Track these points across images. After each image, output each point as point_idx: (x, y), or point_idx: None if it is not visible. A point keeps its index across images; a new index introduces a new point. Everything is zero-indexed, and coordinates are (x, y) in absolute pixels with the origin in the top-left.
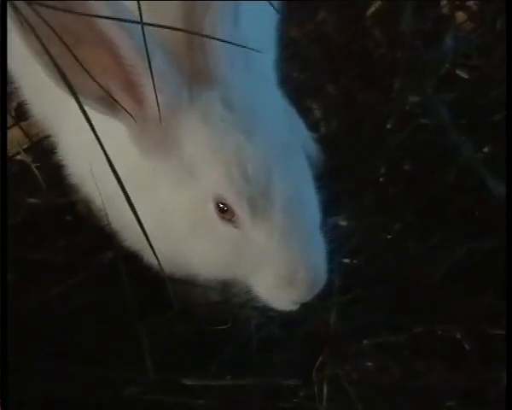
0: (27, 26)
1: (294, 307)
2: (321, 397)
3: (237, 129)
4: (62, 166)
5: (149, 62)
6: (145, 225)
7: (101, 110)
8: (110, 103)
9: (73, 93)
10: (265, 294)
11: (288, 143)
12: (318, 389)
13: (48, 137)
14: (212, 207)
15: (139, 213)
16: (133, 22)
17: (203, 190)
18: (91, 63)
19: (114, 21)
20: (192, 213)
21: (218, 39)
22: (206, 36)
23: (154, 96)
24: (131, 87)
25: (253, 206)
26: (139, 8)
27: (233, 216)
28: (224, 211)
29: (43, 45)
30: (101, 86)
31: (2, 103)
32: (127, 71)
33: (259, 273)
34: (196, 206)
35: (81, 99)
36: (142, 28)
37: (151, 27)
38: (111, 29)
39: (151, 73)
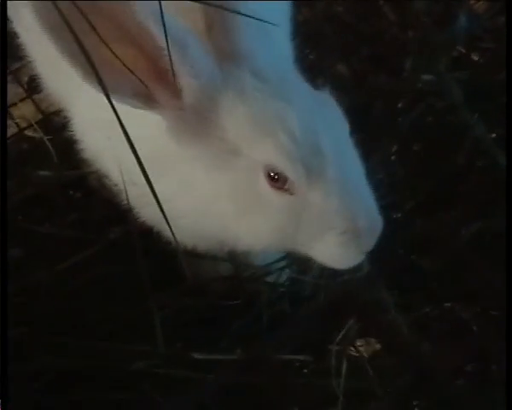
0: (62, 27)
1: (360, 260)
2: (338, 372)
3: (274, 97)
4: (75, 140)
5: (167, 49)
6: (179, 207)
7: (138, 106)
8: (145, 98)
9: (106, 93)
10: (330, 256)
11: (321, 99)
12: (335, 365)
13: (61, 111)
14: (263, 179)
15: (169, 195)
16: None
17: (250, 166)
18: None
19: (145, 14)
20: (241, 192)
21: (240, 13)
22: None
23: (190, 83)
24: (165, 78)
25: (308, 167)
26: None
27: (286, 183)
28: (276, 180)
29: (80, 44)
30: (141, 81)
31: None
32: (160, 63)
33: (321, 237)
34: (244, 184)
35: (115, 97)
36: (160, 4)
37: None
38: (142, 22)
39: (169, 60)
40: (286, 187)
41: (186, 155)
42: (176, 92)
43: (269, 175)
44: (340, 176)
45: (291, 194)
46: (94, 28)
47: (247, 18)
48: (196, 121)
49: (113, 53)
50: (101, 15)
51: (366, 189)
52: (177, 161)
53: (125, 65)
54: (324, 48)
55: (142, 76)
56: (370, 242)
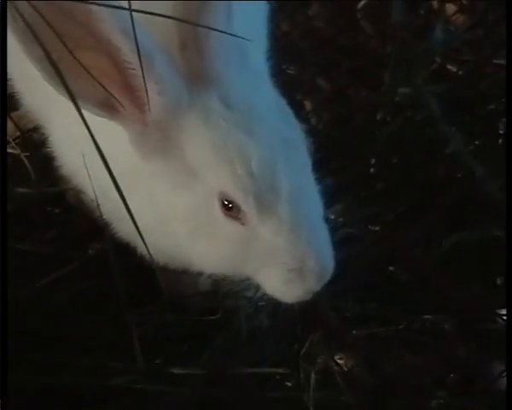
0: (28, 31)
1: (306, 299)
2: (308, 387)
3: (238, 127)
4: (53, 157)
5: (140, 59)
6: (144, 224)
7: (101, 115)
8: (110, 108)
9: (72, 98)
10: (275, 289)
11: (287, 136)
12: (305, 379)
13: (38, 128)
14: (217, 206)
15: (137, 211)
16: (121, 8)
17: (207, 190)
18: (90, 68)
19: (115, 25)
20: (195, 214)
21: (215, 29)
22: (205, 26)
23: (155, 99)
24: (131, 91)
25: (260, 201)
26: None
27: (239, 213)
28: (230, 209)
29: (45, 50)
30: (105, 89)
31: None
32: (127, 75)
33: (268, 269)
34: (200, 207)
35: (80, 104)
36: (131, 14)
37: (150, 30)
38: (112, 33)
39: (143, 76)
40: (239, 216)
41: (150, 171)
42: (140, 106)
43: (223, 202)
44: (293, 216)
45: (242, 224)
46: (57, 34)
47: (222, 40)
48: (158, 138)
49: (77, 60)
50: (75, 22)
51: (321, 231)
52: (143, 177)
53: (89, 72)
54: (304, 61)
55: (110, 86)
56: (317, 284)
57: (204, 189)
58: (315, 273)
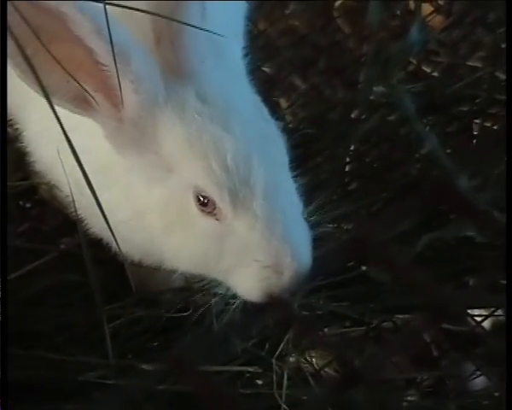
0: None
1: (283, 296)
2: (280, 385)
3: (213, 121)
4: (26, 152)
5: (115, 61)
6: (118, 219)
7: (75, 111)
8: (84, 104)
9: (45, 93)
10: (249, 289)
11: (264, 131)
12: (278, 377)
13: (12, 122)
14: (191, 200)
15: (114, 206)
16: (95, 1)
17: (182, 185)
18: (66, 61)
19: (88, 22)
20: (170, 209)
21: (189, 25)
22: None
23: (131, 97)
24: (107, 88)
25: (234, 196)
26: None
27: (214, 208)
28: (205, 204)
29: (19, 46)
30: (80, 85)
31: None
32: (102, 74)
33: (242, 268)
34: (174, 202)
35: (54, 99)
36: (105, 7)
37: (127, 27)
38: (86, 34)
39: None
40: (214, 212)
41: (126, 165)
42: (115, 103)
43: (197, 198)
44: (268, 211)
45: (217, 219)
46: (32, 28)
47: (196, 36)
48: (134, 134)
49: (51, 54)
50: (51, 15)
51: (298, 227)
52: (119, 172)
53: (63, 67)
54: (281, 59)
55: (85, 81)
56: (293, 282)
57: (179, 183)
58: (291, 271)
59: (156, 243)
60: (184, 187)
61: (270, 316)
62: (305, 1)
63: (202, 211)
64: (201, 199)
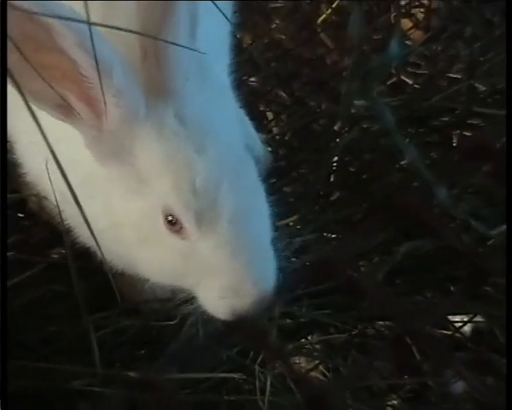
0: None
1: (245, 316)
2: (263, 392)
3: (188, 143)
4: (18, 164)
5: (99, 76)
6: (100, 228)
7: (58, 117)
8: (67, 111)
9: (25, 100)
10: (210, 304)
11: (240, 157)
12: (261, 384)
13: None
14: (161, 218)
15: (94, 216)
16: (80, 21)
17: (153, 201)
18: (52, 70)
19: (72, 35)
20: (142, 222)
21: (176, 44)
22: (166, 41)
23: (112, 111)
24: (89, 98)
25: (200, 218)
26: (86, 10)
27: (181, 228)
28: (173, 223)
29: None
30: (57, 92)
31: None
32: (85, 83)
33: (205, 284)
34: (146, 216)
35: (39, 105)
36: (90, 28)
37: (114, 42)
38: (68, 41)
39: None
40: (181, 231)
41: (105, 175)
42: (97, 114)
43: (166, 216)
44: (234, 236)
45: (183, 239)
46: (12, 41)
47: (182, 54)
48: (112, 144)
49: (30, 63)
50: (38, 25)
51: (264, 254)
52: (101, 182)
53: (41, 77)
54: (265, 73)
55: (71, 89)
56: (253, 307)
57: (151, 199)
58: (252, 296)
59: (131, 255)
60: (155, 203)
61: (238, 334)
62: (289, 16)
63: (170, 229)
64: (170, 218)
